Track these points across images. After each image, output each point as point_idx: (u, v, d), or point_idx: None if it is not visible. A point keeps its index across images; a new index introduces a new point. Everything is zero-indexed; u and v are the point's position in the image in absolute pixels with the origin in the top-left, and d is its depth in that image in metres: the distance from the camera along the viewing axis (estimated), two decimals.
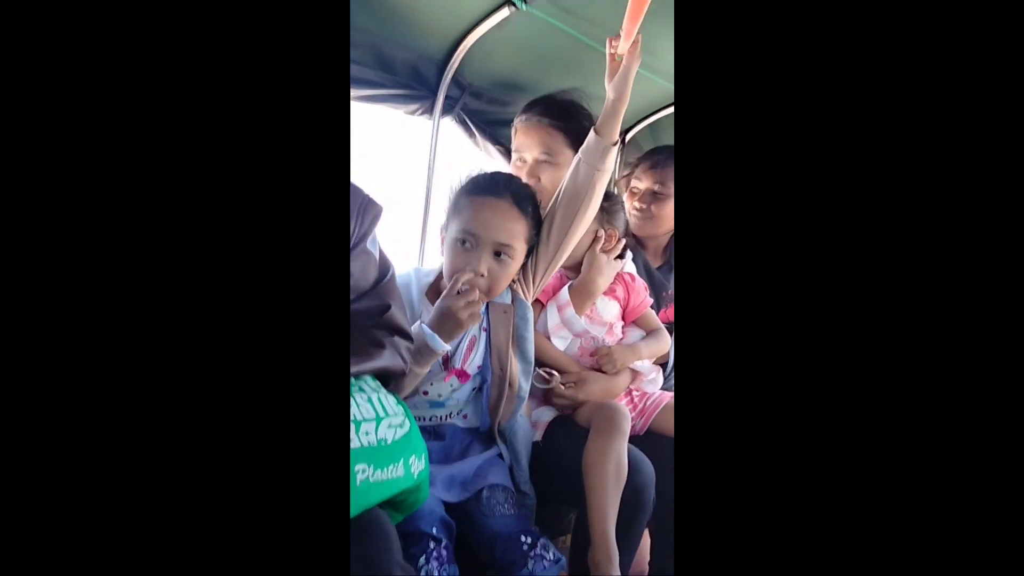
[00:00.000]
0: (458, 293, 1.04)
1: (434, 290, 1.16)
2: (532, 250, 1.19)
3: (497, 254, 1.10)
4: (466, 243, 1.11)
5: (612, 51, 1.11)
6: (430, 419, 1.18)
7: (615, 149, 1.14)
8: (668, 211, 1.62)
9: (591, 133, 1.15)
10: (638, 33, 1.04)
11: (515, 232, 1.12)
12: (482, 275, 1.09)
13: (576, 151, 1.39)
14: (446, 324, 1.03)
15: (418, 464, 0.76)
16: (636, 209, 1.62)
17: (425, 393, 1.16)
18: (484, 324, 1.17)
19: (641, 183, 1.62)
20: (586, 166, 1.15)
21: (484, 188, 1.15)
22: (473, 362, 1.16)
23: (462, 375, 1.17)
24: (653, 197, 1.61)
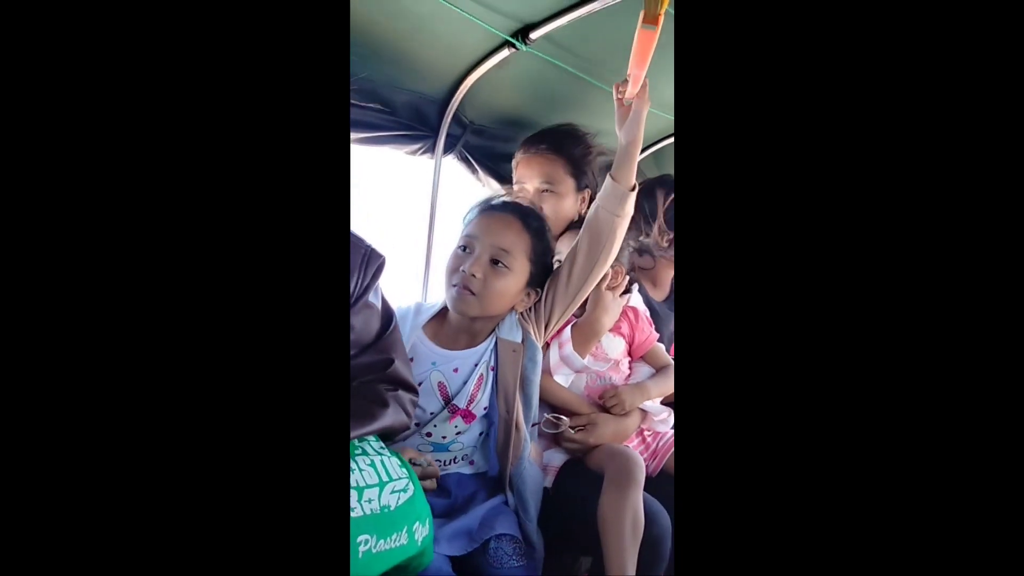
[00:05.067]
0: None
1: (434, 322, 1.17)
2: (541, 284, 1.17)
3: (494, 262, 1.11)
4: (466, 248, 1.13)
5: (620, 96, 1.10)
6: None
7: (633, 194, 1.12)
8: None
9: (607, 179, 1.13)
10: (646, 77, 1.03)
11: (515, 243, 1.12)
12: (474, 275, 1.09)
13: (576, 179, 1.41)
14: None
15: (422, 530, 0.73)
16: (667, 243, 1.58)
17: (428, 435, 1.13)
18: (492, 363, 1.15)
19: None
20: (605, 212, 1.13)
21: (492, 206, 1.19)
22: (480, 403, 1.14)
23: (468, 416, 1.14)
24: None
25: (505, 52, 1.37)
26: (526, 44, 1.34)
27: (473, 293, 1.09)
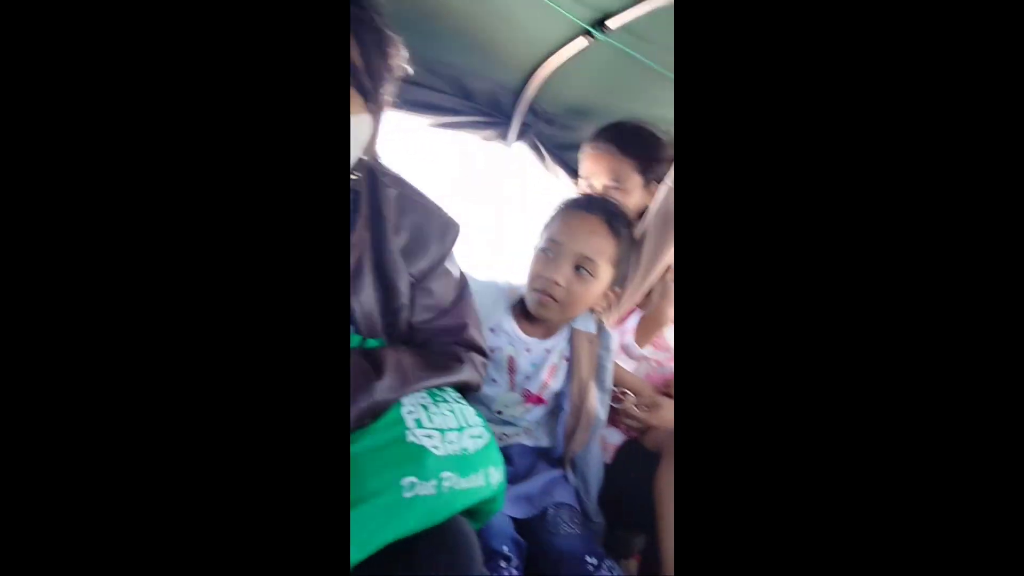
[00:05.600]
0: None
1: (518, 305, 1.16)
2: (621, 284, 1.15)
3: (577, 268, 1.08)
4: (548, 251, 1.10)
5: None
6: (500, 437, 1.20)
7: None
8: None
9: None
10: None
11: (600, 248, 1.08)
12: (557, 283, 1.07)
13: (644, 178, 1.41)
14: None
15: (497, 475, 0.77)
16: None
17: (499, 413, 1.17)
18: (566, 353, 1.16)
19: None
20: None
21: (578, 204, 1.15)
22: (551, 389, 1.16)
23: (539, 401, 1.17)
24: None
25: (582, 42, 1.40)
26: (604, 33, 1.37)
27: (556, 300, 1.08)
